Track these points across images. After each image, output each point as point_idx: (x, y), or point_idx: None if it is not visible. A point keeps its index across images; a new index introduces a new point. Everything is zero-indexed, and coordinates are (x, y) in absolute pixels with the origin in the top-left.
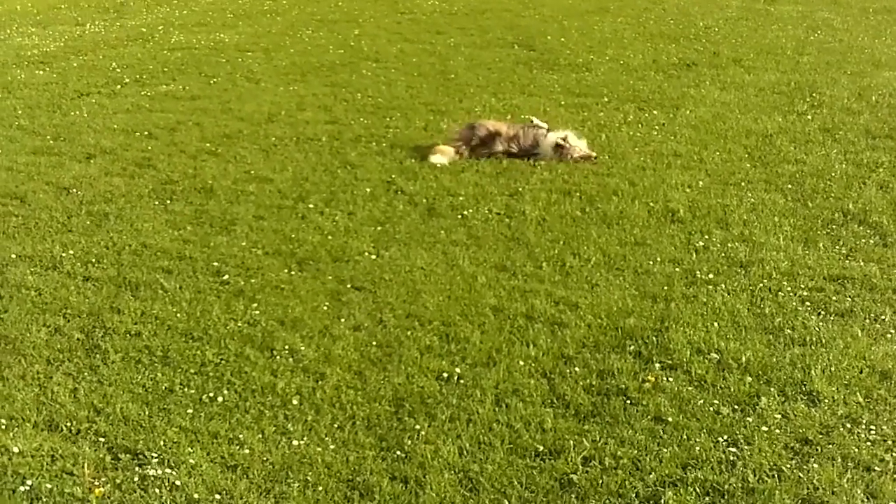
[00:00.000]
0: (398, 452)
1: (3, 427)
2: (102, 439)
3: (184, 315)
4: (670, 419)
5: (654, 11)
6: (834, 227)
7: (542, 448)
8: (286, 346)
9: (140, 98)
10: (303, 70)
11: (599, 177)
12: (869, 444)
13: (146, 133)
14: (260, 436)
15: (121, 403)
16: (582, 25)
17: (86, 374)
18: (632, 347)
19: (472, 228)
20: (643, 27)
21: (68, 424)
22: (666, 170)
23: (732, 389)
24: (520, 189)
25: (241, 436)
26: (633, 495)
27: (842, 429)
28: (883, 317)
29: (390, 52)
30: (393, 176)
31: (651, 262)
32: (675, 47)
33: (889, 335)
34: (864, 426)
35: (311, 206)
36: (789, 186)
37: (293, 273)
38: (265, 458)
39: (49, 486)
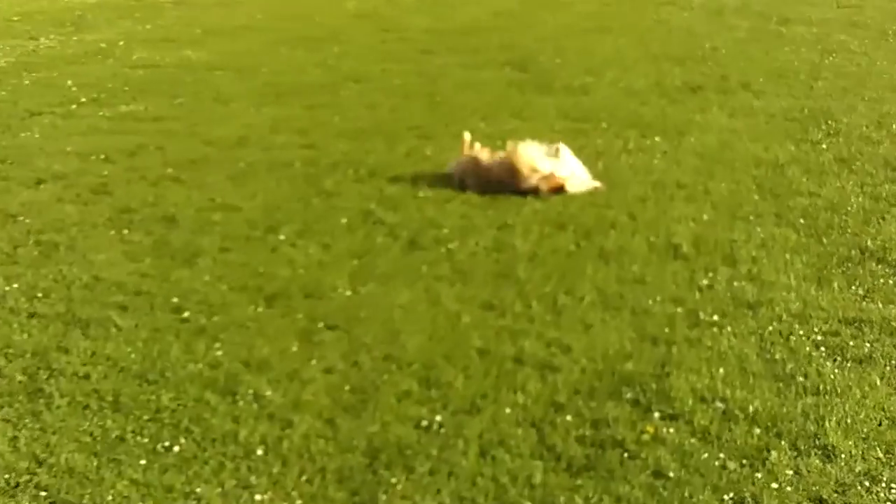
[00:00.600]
0: None
1: None
2: (44, 493)
3: (138, 356)
4: (671, 474)
5: (659, 31)
6: (850, 265)
7: None
8: (251, 391)
9: (97, 119)
10: (277, 91)
11: (597, 208)
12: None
13: (103, 157)
14: (219, 489)
15: (65, 453)
16: (580, 46)
17: (27, 420)
18: (629, 394)
19: (457, 263)
20: (646, 48)
21: (7, 477)
22: (669, 201)
23: (739, 442)
24: (510, 221)
25: (198, 489)
26: None
27: (859, 487)
28: None
29: (373, 72)
30: (372, 206)
31: (651, 302)
32: (681, 70)
33: None
34: (884, 484)
35: (282, 237)
36: (802, 221)
37: (261, 310)
38: None
39: None
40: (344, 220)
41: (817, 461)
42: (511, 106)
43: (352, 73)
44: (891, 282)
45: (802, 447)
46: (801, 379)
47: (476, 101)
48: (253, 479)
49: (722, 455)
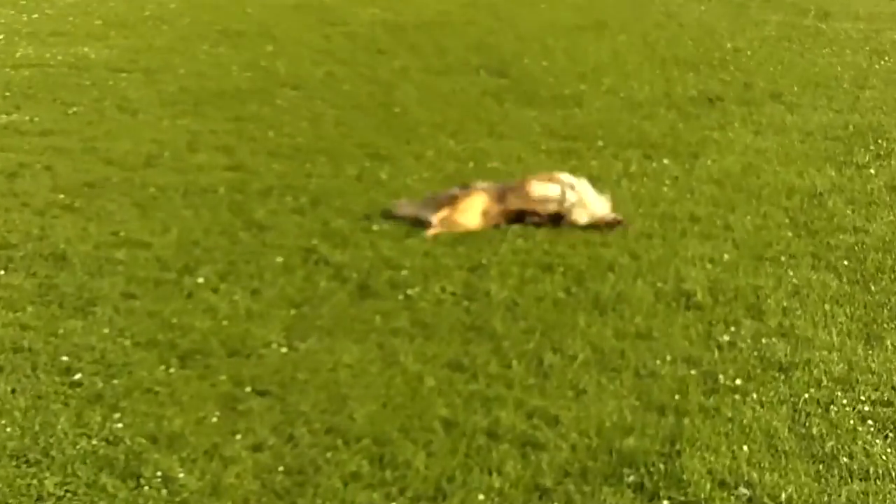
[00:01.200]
0: None
1: None
2: None
3: (16, 429)
4: None
5: (668, 29)
6: None
7: None
8: (159, 473)
9: None
10: (196, 98)
11: (591, 247)
12: None
13: None
14: None
15: None
16: (571, 46)
17: None
18: (632, 477)
19: (418, 313)
20: (652, 49)
21: None
22: (679, 239)
23: None
24: (484, 261)
25: None
26: None
27: None
28: None
29: (315, 76)
30: (314, 241)
31: (658, 362)
32: (695, 76)
33: None
34: None
35: (200, 280)
36: (845, 263)
37: (173, 371)
38: None
39: None
40: (279, 260)
41: None
42: (486, 120)
43: (288, 77)
44: None
45: None
46: (844, 460)
47: (442, 113)
48: None
49: None
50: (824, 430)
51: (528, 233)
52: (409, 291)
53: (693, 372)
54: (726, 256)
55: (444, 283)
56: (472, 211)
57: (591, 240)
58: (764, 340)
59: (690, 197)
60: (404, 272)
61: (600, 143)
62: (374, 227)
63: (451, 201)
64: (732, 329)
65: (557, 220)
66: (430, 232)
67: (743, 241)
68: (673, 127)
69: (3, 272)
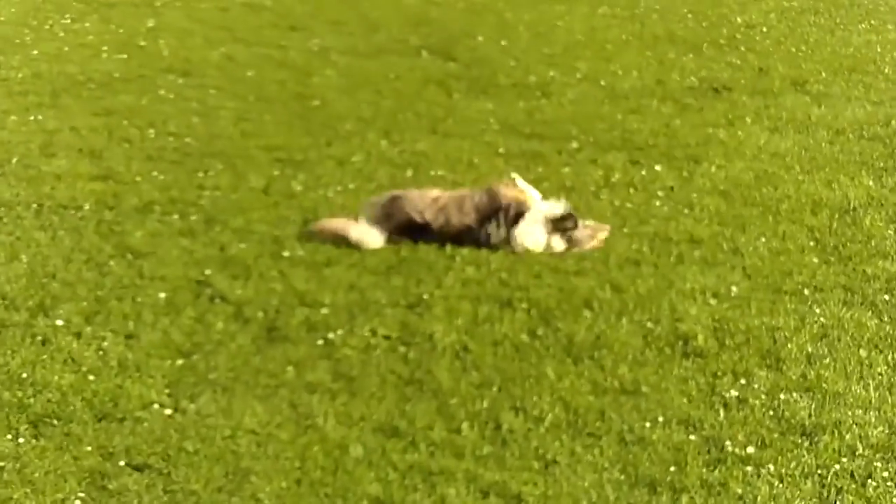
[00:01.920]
0: None
1: None
2: None
3: None
4: None
5: None
6: None
7: None
8: None
9: None
10: (54, 87)
11: (561, 276)
12: None
13: None
14: None
15: None
16: (536, 21)
17: None
18: None
19: (342, 363)
20: (641, 24)
21: None
22: (675, 266)
23: None
24: (425, 296)
25: None
26: None
27: None
28: None
29: (209, 59)
30: (207, 272)
31: (648, 425)
32: (695, 59)
33: None
34: None
35: (59, 322)
36: (886, 298)
37: (23, 442)
38: None
39: None
40: (161, 296)
41: None
42: (428, 114)
43: (175, 60)
44: None
45: None
46: None
47: (373, 106)
48: None
49: None
50: None
51: (479, 258)
52: (330, 335)
53: (693, 437)
54: (735, 289)
55: (376, 324)
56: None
57: (562, 267)
58: (783, 396)
59: (689, 213)
60: (324, 310)
61: (574, 144)
62: (286, 254)
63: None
64: (743, 382)
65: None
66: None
67: (756, 270)
68: (667, 124)
69: None
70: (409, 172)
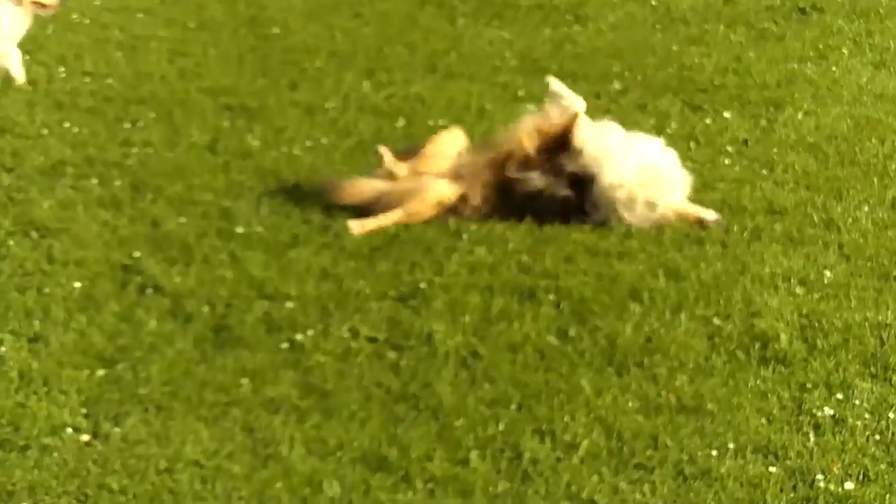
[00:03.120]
0: None
1: None
2: None
3: None
4: None
5: None
6: None
7: None
8: None
9: None
10: None
11: (600, 258)
12: None
13: None
14: None
15: None
16: None
17: None
18: None
19: (313, 374)
20: None
21: None
22: (750, 245)
23: None
24: (422, 285)
25: None
26: None
27: None
28: None
29: None
30: (136, 255)
31: (715, 453)
32: None
33: None
34: None
35: None
36: None
37: None
38: None
39: None
40: (77, 285)
41: None
42: (424, 47)
43: None
44: None
45: None
46: None
47: (351, 36)
48: None
49: None
50: None
51: (493, 235)
52: (298, 337)
53: (774, 469)
54: (829, 274)
55: (356, 323)
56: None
57: (601, 247)
58: (892, 416)
59: (768, 174)
60: (289, 304)
61: (617, 84)
62: (238, 230)
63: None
64: (839, 396)
65: (574, 206)
66: (357, 227)
67: (857, 249)
68: (738, 57)
69: None
70: (401, 123)
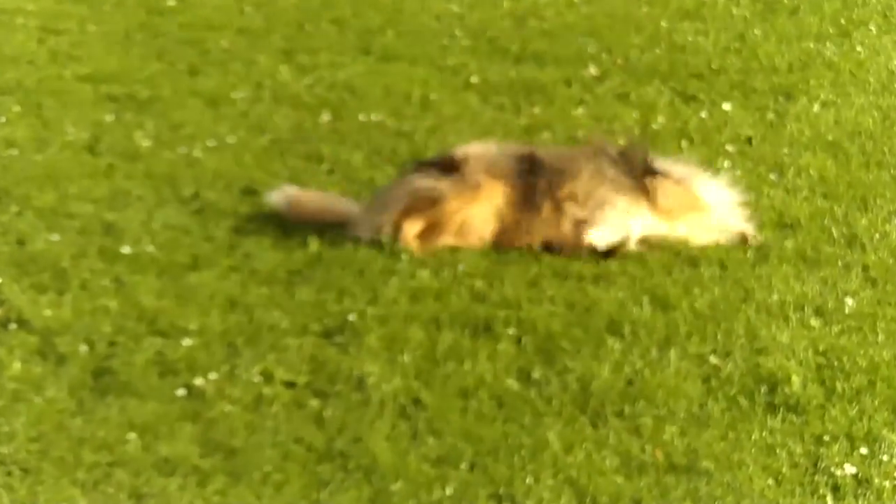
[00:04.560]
0: None
1: None
2: None
3: None
4: None
5: None
6: None
7: None
8: None
9: None
10: None
11: (571, 282)
12: None
13: None
14: None
15: None
16: None
17: None
18: None
19: (216, 427)
20: None
21: None
22: (755, 267)
23: None
24: (352, 317)
25: None
26: None
27: None
28: None
29: None
30: None
31: None
32: None
33: None
34: None
35: None
36: None
37: None
38: None
39: None
40: None
41: None
42: (357, 23)
43: None
44: None
45: None
46: None
47: (264, 9)
48: None
49: None
50: None
51: (439, 257)
52: (198, 381)
53: None
54: (850, 302)
55: (270, 364)
56: (480, 213)
57: (571, 270)
58: None
59: (778, 179)
60: (187, 342)
61: (592, 69)
62: (124, 250)
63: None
64: (863, 451)
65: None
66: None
67: (885, 271)
68: (742, 35)
69: None
70: (326, 117)
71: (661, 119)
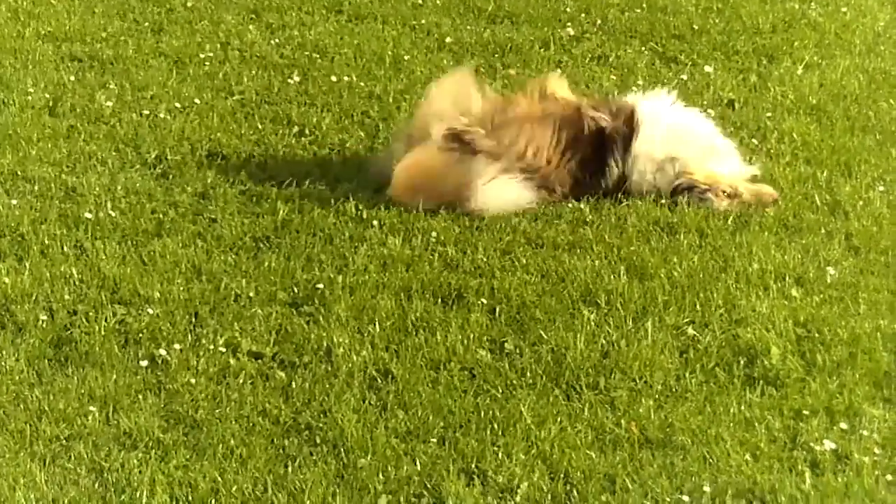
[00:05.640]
0: None
1: None
2: None
3: None
4: None
5: None
6: None
7: None
8: None
9: None
10: None
11: (546, 250)
12: None
13: None
14: None
15: None
16: None
17: None
18: None
19: (179, 399)
20: None
21: None
22: (734, 234)
23: None
24: (320, 285)
25: None
26: None
27: None
28: None
29: None
30: None
31: (687, 498)
32: None
33: None
34: None
35: None
36: None
37: None
38: None
39: None
40: None
41: None
42: None
43: None
44: None
45: None
46: None
47: None
48: None
49: None
50: None
51: (410, 224)
52: (161, 352)
53: None
54: (832, 272)
55: (235, 334)
56: None
57: (545, 237)
58: None
59: (759, 144)
60: (150, 310)
61: (570, 28)
62: (87, 215)
63: None
64: (843, 426)
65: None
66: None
67: (869, 240)
68: None
69: None
70: (295, 77)
71: (640, 81)
